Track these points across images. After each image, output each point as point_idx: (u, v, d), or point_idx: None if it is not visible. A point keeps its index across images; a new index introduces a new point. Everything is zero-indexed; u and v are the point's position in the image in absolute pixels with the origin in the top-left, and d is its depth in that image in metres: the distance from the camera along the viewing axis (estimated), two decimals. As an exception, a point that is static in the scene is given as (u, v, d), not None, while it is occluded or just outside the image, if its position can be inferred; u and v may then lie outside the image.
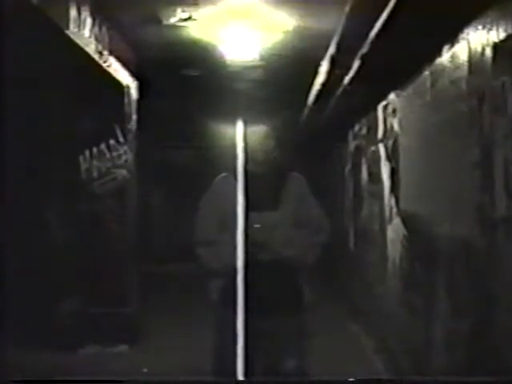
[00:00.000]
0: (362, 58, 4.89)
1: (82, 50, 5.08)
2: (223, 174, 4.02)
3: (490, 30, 3.21)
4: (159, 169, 12.03)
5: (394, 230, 5.56)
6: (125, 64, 6.49)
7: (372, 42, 4.43)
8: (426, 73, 4.37)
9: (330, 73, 6.04)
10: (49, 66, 5.75)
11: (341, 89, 6.27)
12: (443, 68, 4.00)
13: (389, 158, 5.82)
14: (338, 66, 5.73)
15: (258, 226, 3.81)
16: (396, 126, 5.47)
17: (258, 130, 4.05)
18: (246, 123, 3.66)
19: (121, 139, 6.70)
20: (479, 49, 3.35)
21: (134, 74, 6.91)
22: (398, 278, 5.44)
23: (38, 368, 5.08)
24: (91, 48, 5.31)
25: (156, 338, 6.54)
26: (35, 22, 4.29)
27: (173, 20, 5.67)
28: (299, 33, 6.02)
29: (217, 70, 7.43)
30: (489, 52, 3.22)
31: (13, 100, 5.24)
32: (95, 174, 6.66)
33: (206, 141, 11.66)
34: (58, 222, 6.64)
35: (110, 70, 6.01)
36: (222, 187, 3.91)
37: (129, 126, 6.81)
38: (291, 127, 8.93)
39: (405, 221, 5.20)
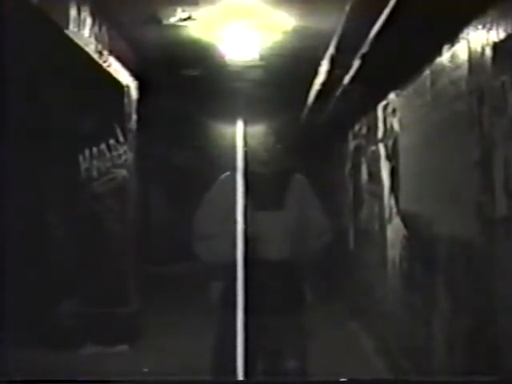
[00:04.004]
0: (362, 58, 4.89)
1: (81, 49, 5.08)
2: (226, 173, 4.02)
3: (489, 29, 3.21)
4: (159, 169, 12.02)
5: (394, 230, 5.56)
6: (125, 64, 6.49)
7: (372, 42, 4.43)
8: (426, 72, 4.37)
9: (329, 73, 6.04)
10: (49, 66, 5.75)
11: (341, 89, 6.27)
12: (443, 68, 4.00)
13: (389, 158, 5.82)
14: (338, 65, 5.73)
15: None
16: (396, 126, 5.47)
17: (258, 130, 4.05)
18: (245, 123, 3.66)
19: (121, 139, 6.70)
20: (479, 49, 3.35)
21: (134, 73, 6.91)
22: (398, 277, 5.44)
23: (37, 368, 5.08)
24: (91, 48, 5.31)
25: (156, 338, 6.55)
26: (35, 21, 4.29)
27: (173, 20, 5.67)
28: (299, 33, 6.02)
29: (217, 70, 7.44)
30: (489, 52, 3.22)
31: (12, 100, 5.24)
32: (95, 173, 6.66)
33: (205, 140, 11.66)
34: (57, 221, 6.64)
35: (110, 69, 6.01)
36: (225, 186, 3.91)
37: (129, 126, 6.81)
38: (291, 127, 8.93)
39: (405, 220, 5.20)
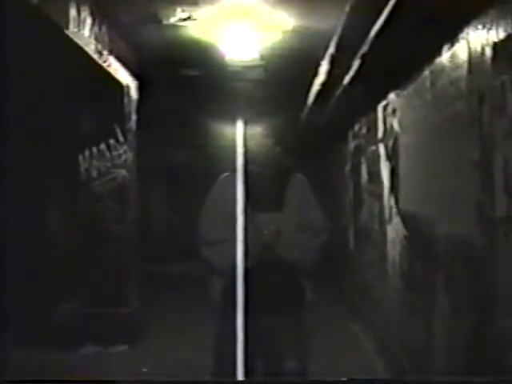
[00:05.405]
0: (362, 58, 4.89)
1: (81, 49, 5.08)
2: (226, 174, 4.03)
3: (489, 29, 3.21)
4: (159, 169, 12.03)
5: (394, 230, 5.57)
6: (125, 64, 6.49)
7: (372, 42, 4.43)
8: (426, 72, 4.37)
9: (329, 73, 6.04)
10: (49, 66, 5.75)
11: (341, 89, 6.27)
12: (443, 68, 4.00)
13: (389, 158, 5.82)
14: (338, 65, 5.73)
15: (266, 232, 3.84)
16: (396, 126, 5.47)
17: (258, 130, 4.05)
18: (246, 123, 3.66)
19: (121, 139, 6.70)
20: (479, 49, 3.35)
21: (134, 73, 6.91)
22: (398, 277, 5.44)
23: (37, 368, 5.08)
24: (91, 48, 5.31)
25: (156, 338, 6.55)
26: (35, 21, 4.29)
27: (173, 20, 5.67)
28: (299, 33, 6.02)
29: (217, 70, 7.43)
30: (489, 52, 3.22)
31: (12, 100, 5.23)
32: (95, 173, 6.66)
33: (205, 141, 11.67)
34: (57, 221, 6.64)
35: (110, 69, 6.01)
36: (225, 186, 3.91)
37: (129, 126, 6.81)
38: (291, 127, 8.94)
39: (405, 220, 5.20)
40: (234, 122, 3.61)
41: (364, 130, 7.28)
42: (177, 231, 11.73)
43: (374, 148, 6.56)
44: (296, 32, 6.01)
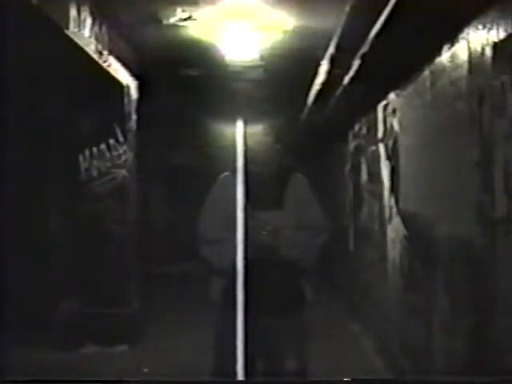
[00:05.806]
0: (362, 58, 4.89)
1: (81, 49, 5.08)
2: (226, 173, 4.03)
3: (490, 29, 3.21)
4: (159, 169, 12.04)
5: (394, 230, 5.56)
6: (125, 64, 6.49)
7: (372, 42, 4.43)
8: (426, 72, 4.37)
9: (329, 73, 6.04)
10: (49, 66, 5.76)
11: (341, 88, 6.27)
12: (443, 68, 4.00)
13: (389, 158, 5.82)
14: (338, 65, 5.73)
15: (264, 232, 3.84)
16: (396, 126, 5.47)
17: (258, 130, 4.05)
18: (246, 123, 3.66)
19: (121, 139, 6.70)
20: (479, 49, 3.35)
21: (134, 73, 6.91)
22: (398, 277, 5.44)
23: (37, 368, 5.08)
24: (91, 48, 5.31)
25: (156, 338, 6.55)
26: (35, 21, 4.29)
27: (173, 20, 5.67)
28: (299, 33, 6.02)
29: (217, 70, 7.44)
30: (489, 52, 3.22)
31: (13, 100, 5.24)
32: (95, 173, 6.66)
33: (205, 141, 11.67)
34: (57, 221, 6.64)
35: (110, 69, 6.01)
36: (225, 186, 3.91)
37: (129, 126, 6.81)
38: (291, 127, 8.94)
39: (405, 221, 5.20)
40: (234, 122, 3.60)
41: (364, 130, 7.28)
42: (177, 231, 11.73)
43: (374, 148, 6.56)
44: (296, 32, 6.01)
